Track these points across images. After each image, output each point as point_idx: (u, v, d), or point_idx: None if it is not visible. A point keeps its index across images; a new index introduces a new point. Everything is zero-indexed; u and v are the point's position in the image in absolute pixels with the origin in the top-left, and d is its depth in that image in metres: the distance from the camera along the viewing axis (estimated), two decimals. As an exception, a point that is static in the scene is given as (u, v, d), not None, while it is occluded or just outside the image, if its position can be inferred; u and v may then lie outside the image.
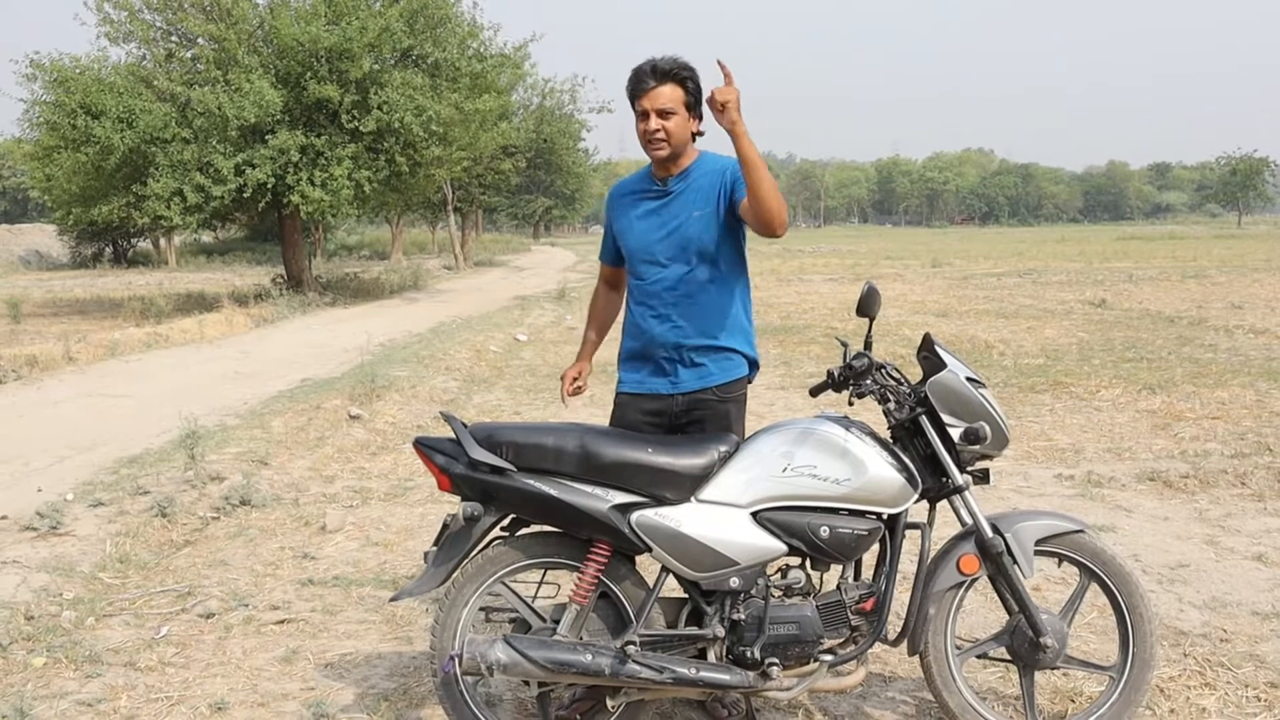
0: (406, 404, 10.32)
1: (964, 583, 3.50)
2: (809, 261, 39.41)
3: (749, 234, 3.74)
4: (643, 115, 3.58)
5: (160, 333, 16.81)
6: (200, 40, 22.51)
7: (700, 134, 3.69)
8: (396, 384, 11.06)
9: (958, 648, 3.57)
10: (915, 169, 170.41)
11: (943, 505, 3.54)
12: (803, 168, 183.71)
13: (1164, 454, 7.67)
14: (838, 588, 3.47)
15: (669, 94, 3.54)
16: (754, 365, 3.85)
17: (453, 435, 3.45)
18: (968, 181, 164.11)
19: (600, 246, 4.11)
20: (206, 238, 51.62)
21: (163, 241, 49.55)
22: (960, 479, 3.42)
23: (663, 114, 3.55)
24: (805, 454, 3.37)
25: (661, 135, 3.56)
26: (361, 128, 21.65)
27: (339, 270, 35.21)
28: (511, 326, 18.26)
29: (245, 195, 21.48)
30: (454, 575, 3.46)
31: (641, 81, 3.56)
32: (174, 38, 23.45)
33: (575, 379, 4.19)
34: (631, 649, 3.33)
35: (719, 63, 3.38)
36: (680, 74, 3.55)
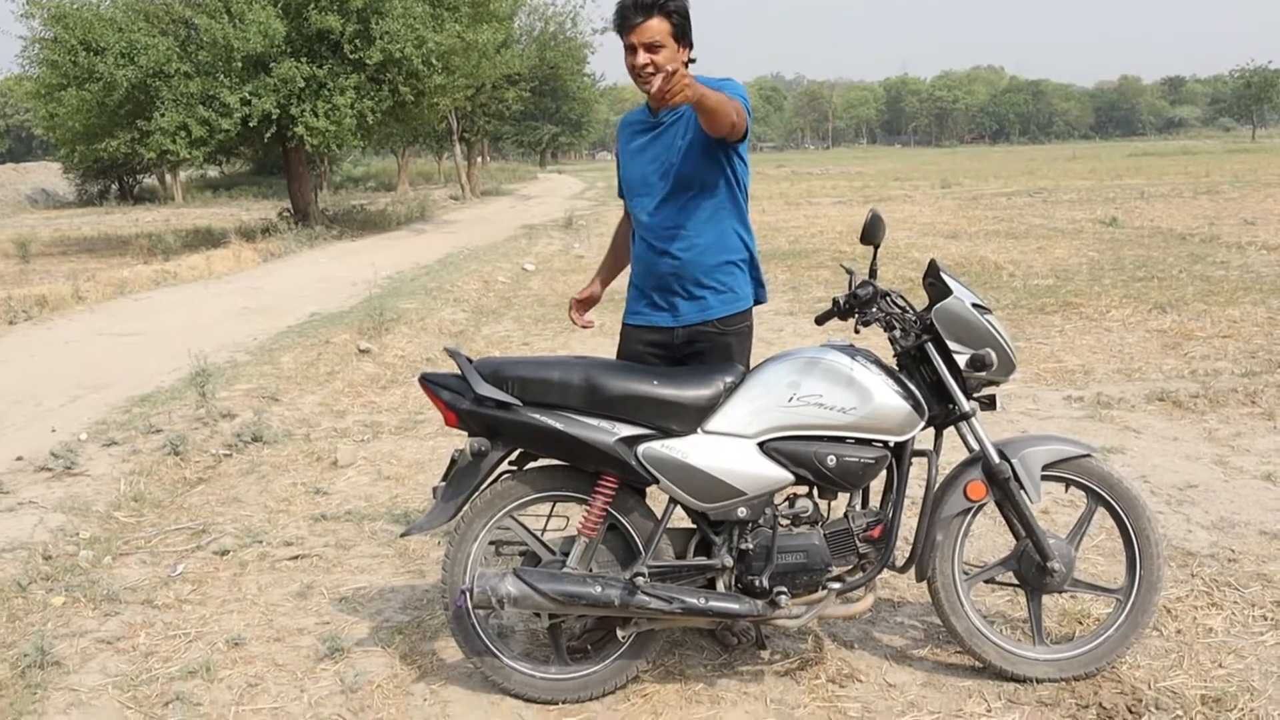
0: (415, 336, 10.34)
1: (971, 509, 3.51)
2: (817, 184, 39.08)
3: (753, 160, 3.70)
4: (630, 50, 3.50)
5: (169, 270, 16.83)
6: (198, -29, 22.25)
7: (692, 60, 3.62)
8: (405, 317, 11.08)
9: (965, 573, 3.59)
10: (924, 88, 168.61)
11: (949, 432, 3.54)
12: (810, 89, 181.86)
13: (1174, 374, 7.65)
14: (845, 516, 3.49)
15: (655, 27, 3.45)
16: (760, 286, 3.83)
17: (458, 371, 3.45)
18: (977, 100, 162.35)
19: (620, 185, 3.99)
20: (212, 173, 51.43)
21: (168, 177, 49.33)
22: (966, 405, 3.42)
23: (650, 48, 3.47)
24: (811, 383, 3.37)
25: (651, 70, 3.47)
26: (365, 59, 21.45)
27: (345, 202, 35.12)
28: (519, 256, 18.23)
29: (251, 126, 21.36)
30: (463, 510, 3.48)
31: (626, 16, 3.47)
32: (171, -31, 23.16)
33: (583, 302, 4.22)
34: (640, 580, 3.35)
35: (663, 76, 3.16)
36: (665, 4, 3.45)
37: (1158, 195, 25.49)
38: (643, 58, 3.47)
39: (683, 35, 3.54)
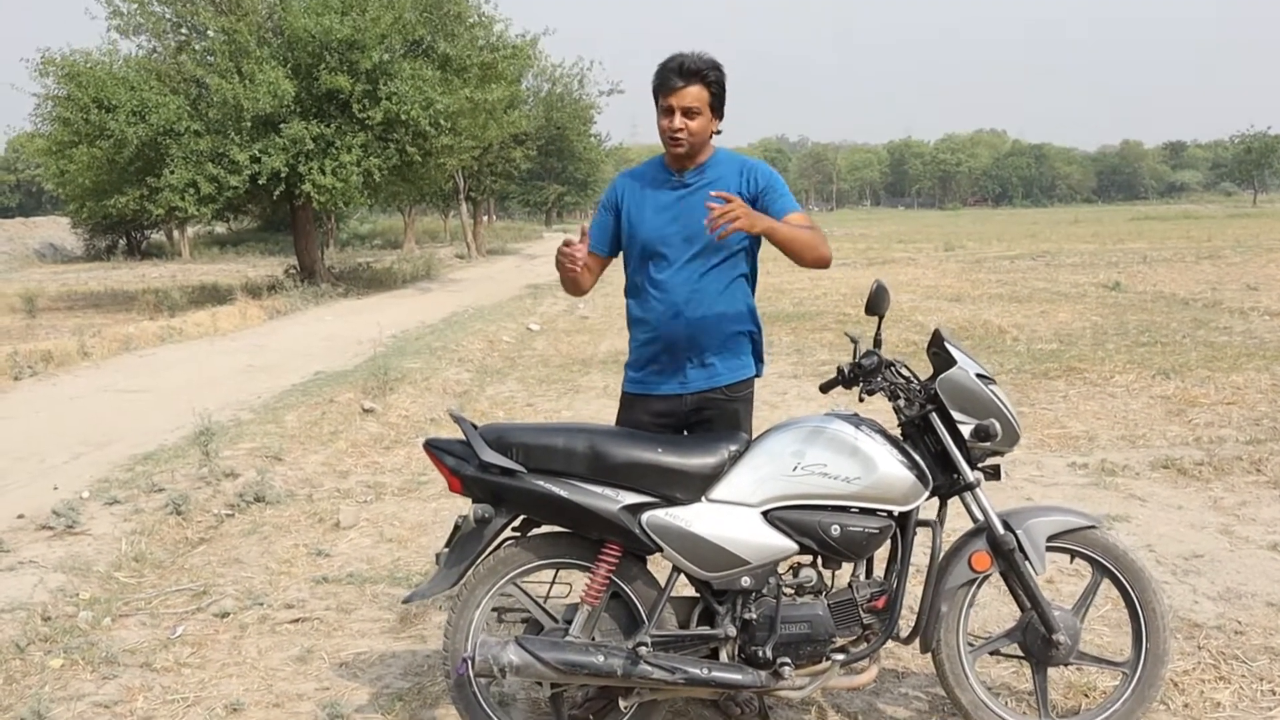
0: (420, 396, 10.34)
1: (976, 580, 3.50)
2: (821, 246, 39.15)
3: None
4: (666, 112, 3.56)
5: (174, 326, 16.88)
6: (211, 32, 22.54)
7: (718, 132, 3.68)
8: (409, 376, 11.09)
9: (970, 644, 3.57)
10: (928, 150, 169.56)
11: (954, 502, 3.53)
12: (814, 150, 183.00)
13: (1178, 440, 7.64)
14: (849, 586, 3.47)
15: (695, 94, 3.53)
16: (760, 360, 3.85)
17: (463, 436, 3.45)
18: (981, 163, 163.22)
19: (592, 236, 3.82)
20: (219, 229, 51.82)
21: (176, 233, 49.74)
22: (971, 476, 3.41)
23: (687, 113, 3.54)
24: (815, 452, 3.37)
25: (684, 134, 3.55)
26: (371, 118, 21.68)
27: (351, 260, 35.25)
28: (524, 316, 18.28)
29: (260, 184, 21.56)
30: (466, 576, 3.47)
31: (669, 80, 3.54)
32: (184, 29, 23.50)
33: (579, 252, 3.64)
34: (643, 649, 3.33)
35: (713, 201, 3.30)
36: (707, 75, 3.54)
37: (1160, 259, 25.59)
38: (678, 122, 3.54)
39: (718, 106, 3.62)
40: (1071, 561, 3.71)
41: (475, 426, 3.46)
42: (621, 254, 3.87)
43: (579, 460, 3.38)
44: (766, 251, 3.80)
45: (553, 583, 3.65)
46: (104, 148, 21.05)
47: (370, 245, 53.94)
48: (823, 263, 3.59)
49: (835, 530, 3.33)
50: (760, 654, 3.36)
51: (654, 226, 3.70)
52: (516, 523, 3.53)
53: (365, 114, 21.76)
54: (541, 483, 3.36)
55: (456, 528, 3.48)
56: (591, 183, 61.37)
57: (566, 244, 3.58)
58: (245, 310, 19.43)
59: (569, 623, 3.46)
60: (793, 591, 3.49)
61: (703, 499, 3.38)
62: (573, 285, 3.77)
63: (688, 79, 3.53)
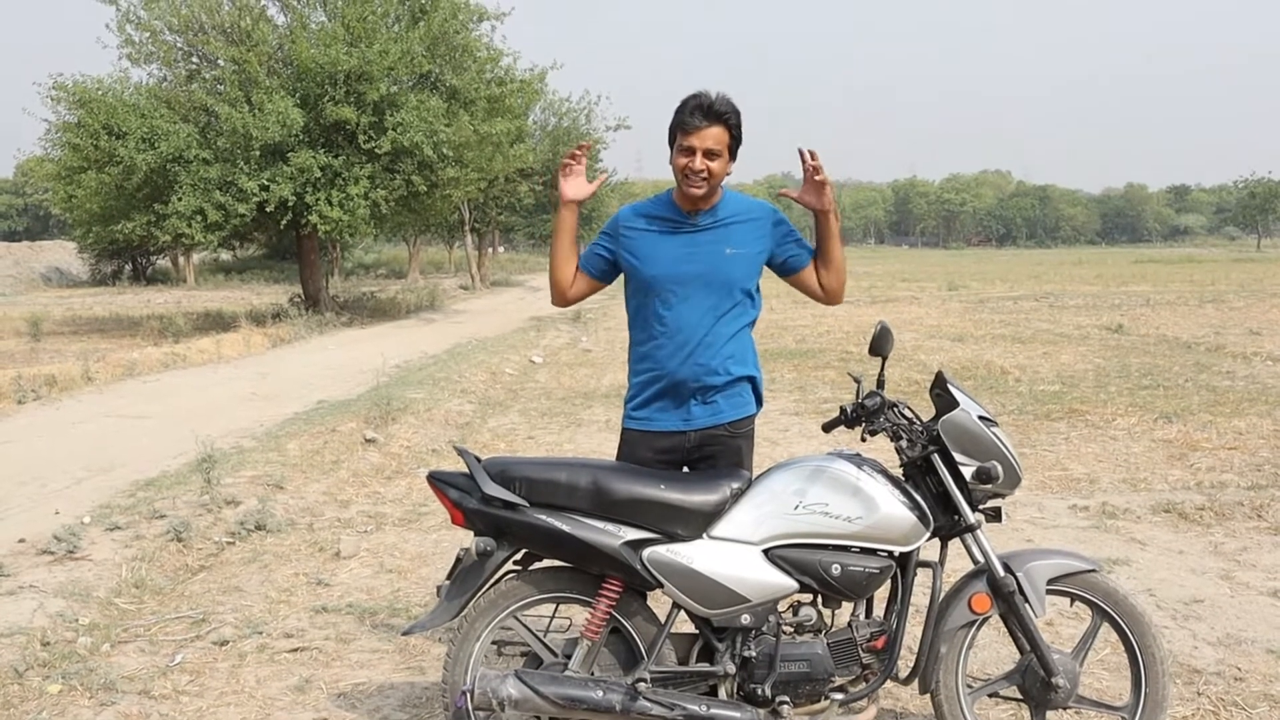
0: (422, 427, 10.35)
1: (975, 621, 3.50)
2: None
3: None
4: (686, 151, 3.54)
5: (178, 352, 16.91)
6: (221, 62, 22.73)
7: (727, 174, 3.69)
8: (412, 406, 11.11)
9: (969, 686, 3.57)
10: (932, 190, 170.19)
11: (955, 543, 3.54)
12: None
13: (1179, 485, 7.64)
14: (849, 625, 3.48)
15: (717, 135, 3.53)
16: (760, 400, 3.87)
17: (466, 469, 3.47)
18: (985, 203, 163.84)
19: (584, 257, 3.90)
20: (225, 256, 52.05)
21: (181, 259, 50.01)
22: (972, 518, 3.42)
23: (708, 154, 3.53)
24: (817, 491, 3.38)
25: (705, 175, 3.54)
26: (377, 149, 21.82)
27: (356, 289, 35.40)
28: (527, 348, 18.32)
29: (267, 212, 21.69)
30: (466, 609, 3.48)
31: (692, 118, 3.53)
32: (195, 59, 23.70)
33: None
34: (642, 685, 3.34)
35: (801, 151, 3.52)
36: (729, 118, 3.54)
37: (1163, 303, 25.64)
38: (700, 163, 3.53)
39: (734, 149, 3.64)
40: (1071, 605, 3.71)
41: (479, 460, 3.48)
42: (625, 292, 3.88)
43: (581, 495, 3.40)
44: (770, 289, 3.83)
45: (553, 616, 3.67)
46: (113, 174, 21.20)
47: (375, 275, 54.18)
48: (840, 291, 3.79)
49: (836, 569, 3.34)
50: (759, 692, 3.37)
51: (666, 266, 3.67)
52: (518, 556, 3.54)
53: (371, 144, 21.91)
54: (544, 517, 3.37)
55: (458, 560, 3.50)
56: (596, 217, 61.49)
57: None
58: (249, 338, 19.49)
59: (569, 657, 3.47)
60: (792, 630, 3.49)
61: (704, 536, 3.40)
62: (558, 289, 3.88)
63: (711, 120, 3.52)
